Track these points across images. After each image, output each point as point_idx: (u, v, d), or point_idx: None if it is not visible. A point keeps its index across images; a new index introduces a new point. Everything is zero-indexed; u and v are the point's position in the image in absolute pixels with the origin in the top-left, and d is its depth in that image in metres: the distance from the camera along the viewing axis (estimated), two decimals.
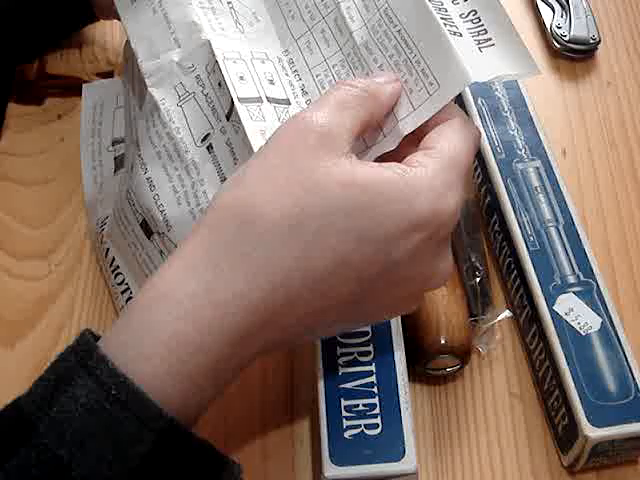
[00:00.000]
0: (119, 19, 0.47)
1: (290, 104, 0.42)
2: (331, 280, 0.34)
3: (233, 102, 0.40)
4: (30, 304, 0.52)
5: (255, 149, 0.38)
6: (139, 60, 0.45)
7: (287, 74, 0.43)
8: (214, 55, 0.42)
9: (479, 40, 0.38)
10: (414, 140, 0.38)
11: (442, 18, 0.38)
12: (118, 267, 0.50)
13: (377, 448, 0.41)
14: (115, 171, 0.55)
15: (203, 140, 0.42)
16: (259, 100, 0.41)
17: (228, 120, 0.41)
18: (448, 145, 0.37)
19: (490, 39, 0.39)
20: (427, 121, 0.37)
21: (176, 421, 0.32)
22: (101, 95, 0.59)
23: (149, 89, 0.44)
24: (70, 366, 0.32)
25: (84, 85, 0.60)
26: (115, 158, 0.56)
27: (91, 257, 0.54)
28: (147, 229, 0.45)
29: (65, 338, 0.50)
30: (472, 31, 0.39)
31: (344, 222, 0.33)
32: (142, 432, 0.31)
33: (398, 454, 0.41)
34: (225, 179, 0.41)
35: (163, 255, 0.45)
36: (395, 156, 0.37)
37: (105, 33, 0.65)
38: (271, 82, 0.42)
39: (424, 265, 0.36)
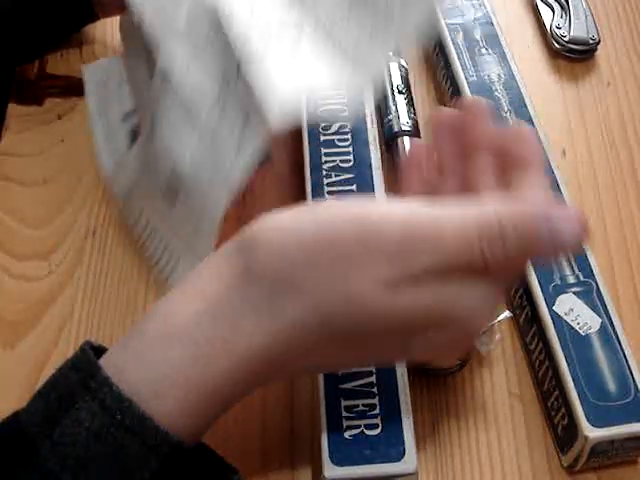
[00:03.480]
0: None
1: (298, 51, 0.42)
2: (348, 357, 0.36)
3: (241, 57, 0.40)
4: (30, 304, 0.52)
5: (264, 103, 0.39)
6: (146, 25, 0.45)
7: (293, 19, 0.43)
8: (220, 12, 0.42)
9: None
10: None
11: None
12: (151, 233, 0.50)
13: (377, 448, 0.41)
14: (131, 142, 0.54)
15: (216, 99, 0.42)
16: (266, 51, 0.41)
17: (238, 76, 0.41)
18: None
19: None
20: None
21: (182, 444, 0.32)
22: (102, 73, 0.59)
23: (159, 51, 0.44)
24: (72, 386, 0.32)
25: (83, 66, 0.59)
26: (130, 131, 0.55)
27: (91, 257, 0.54)
28: (170, 193, 0.45)
29: (65, 338, 0.50)
30: None
31: (376, 332, 0.34)
32: (148, 457, 0.31)
33: (398, 454, 0.41)
34: (240, 137, 0.41)
35: (187, 220, 0.45)
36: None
37: (105, 33, 0.65)
38: (277, 31, 0.42)
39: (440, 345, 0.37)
